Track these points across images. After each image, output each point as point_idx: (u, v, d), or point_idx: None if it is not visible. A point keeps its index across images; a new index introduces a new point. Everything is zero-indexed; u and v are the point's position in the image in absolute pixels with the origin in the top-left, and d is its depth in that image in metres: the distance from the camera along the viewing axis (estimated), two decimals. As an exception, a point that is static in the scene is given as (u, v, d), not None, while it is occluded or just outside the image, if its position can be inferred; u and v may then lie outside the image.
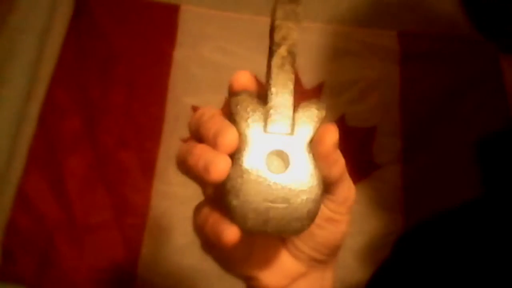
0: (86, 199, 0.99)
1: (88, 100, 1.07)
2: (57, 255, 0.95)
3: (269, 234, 0.46)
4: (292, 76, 0.46)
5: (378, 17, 1.14)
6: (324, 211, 0.49)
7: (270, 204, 0.44)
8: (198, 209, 0.48)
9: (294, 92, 0.46)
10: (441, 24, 1.13)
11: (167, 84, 1.08)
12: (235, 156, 0.45)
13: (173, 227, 0.97)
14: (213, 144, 0.44)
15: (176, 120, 1.05)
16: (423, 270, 0.70)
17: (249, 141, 0.45)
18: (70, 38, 1.10)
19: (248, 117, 0.45)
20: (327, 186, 0.47)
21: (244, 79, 0.46)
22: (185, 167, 0.46)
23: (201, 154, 0.45)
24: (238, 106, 0.45)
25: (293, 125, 0.45)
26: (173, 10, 1.14)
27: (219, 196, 0.45)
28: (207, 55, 1.11)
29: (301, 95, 1.09)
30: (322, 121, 0.46)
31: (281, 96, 0.45)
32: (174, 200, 0.98)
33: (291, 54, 0.46)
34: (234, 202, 0.44)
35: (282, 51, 0.46)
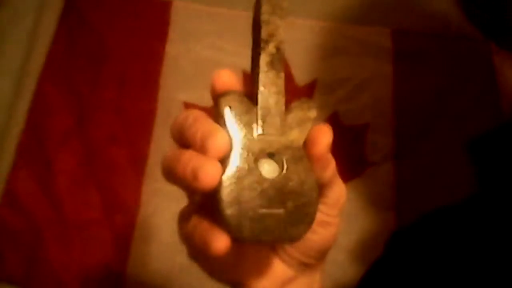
0: (75, 196, 0.98)
1: (78, 96, 1.06)
2: (46, 253, 0.94)
3: (265, 243, 0.44)
4: (282, 74, 0.44)
5: (372, 15, 1.14)
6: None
7: (266, 210, 0.42)
8: (183, 216, 0.46)
9: (284, 91, 0.44)
10: (434, 23, 1.13)
11: (158, 81, 1.08)
12: (225, 161, 0.42)
13: (164, 224, 0.96)
14: (201, 149, 0.42)
15: (168, 117, 1.04)
16: (416, 267, 0.70)
17: (240, 144, 0.43)
18: (60, 34, 1.10)
19: (238, 119, 0.43)
20: (319, 188, 0.45)
21: (226, 79, 0.44)
22: (172, 175, 0.43)
23: (189, 160, 0.42)
24: (227, 107, 0.43)
25: (285, 126, 0.43)
26: (165, 6, 1.13)
27: (208, 203, 0.43)
28: (199, 51, 1.11)
29: (294, 92, 1.09)
30: (314, 121, 0.44)
31: (272, 96, 0.44)
32: (165, 197, 0.97)
33: (280, 51, 0.44)
34: (228, 211, 0.42)
35: (270, 48, 0.44)
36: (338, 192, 0.48)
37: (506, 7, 0.68)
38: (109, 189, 0.99)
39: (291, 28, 1.11)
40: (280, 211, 0.43)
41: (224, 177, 0.42)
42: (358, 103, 1.07)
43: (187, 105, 1.04)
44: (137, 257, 0.95)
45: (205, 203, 0.44)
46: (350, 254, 0.96)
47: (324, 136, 0.43)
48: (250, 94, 0.44)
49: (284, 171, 0.43)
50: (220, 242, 0.42)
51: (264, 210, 0.42)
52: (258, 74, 0.44)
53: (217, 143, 0.41)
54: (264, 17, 0.44)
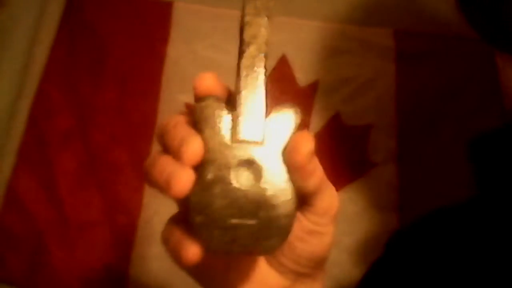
0: (77, 198, 0.98)
1: (80, 97, 1.05)
2: (48, 255, 0.94)
3: (236, 254, 0.42)
4: (263, 78, 0.42)
5: (374, 15, 1.13)
6: (304, 223, 0.46)
7: (237, 220, 0.41)
8: (166, 223, 0.46)
9: (266, 96, 0.42)
10: (437, 23, 1.13)
11: (160, 81, 1.07)
12: (199, 167, 0.41)
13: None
14: (177, 155, 0.41)
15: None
16: (416, 268, 0.69)
17: (215, 151, 0.41)
18: (62, 35, 1.09)
19: (214, 125, 0.42)
20: (304, 197, 0.44)
21: (208, 83, 0.43)
22: (149, 180, 0.43)
23: (163, 166, 0.42)
24: (203, 113, 0.42)
25: (264, 132, 0.42)
26: (167, 7, 1.13)
27: (184, 212, 0.43)
28: (200, 52, 1.10)
29: (296, 93, 1.09)
30: (297, 128, 0.43)
31: (251, 100, 0.42)
32: (166, 198, 0.96)
33: (262, 53, 0.43)
34: (198, 219, 0.41)
35: (252, 50, 0.43)
36: (328, 201, 0.46)
37: (505, 11, 0.68)
38: (111, 190, 0.99)
39: (293, 29, 1.10)
40: (253, 222, 0.41)
41: (196, 184, 0.41)
42: (361, 103, 1.07)
43: (189, 106, 1.04)
44: (139, 259, 0.95)
45: (182, 211, 0.44)
46: (352, 255, 0.95)
47: (305, 144, 0.42)
48: (232, 99, 0.43)
49: (260, 180, 0.42)
50: (190, 252, 0.41)
51: (235, 220, 0.41)
52: (238, 78, 0.42)
53: (190, 149, 0.41)
54: (246, 18, 0.43)
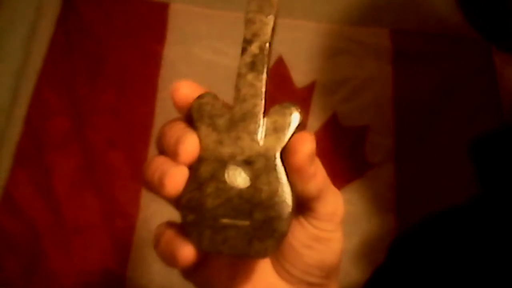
0: (74, 201, 0.98)
1: (76, 99, 1.05)
2: (45, 258, 0.94)
3: (226, 255, 0.41)
4: (264, 77, 0.41)
5: (370, 16, 1.13)
6: (309, 229, 0.44)
7: (230, 221, 0.40)
8: (158, 226, 0.44)
9: (266, 94, 0.41)
10: (434, 23, 1.13)
11: (156, 83, 1.07)
12: (194, 166, 0.40)
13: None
14: (173, 155, 0.40)
15: (166, 119, 1.03)
16: (420, 273, 0.69)
17: (210, 149, 0.40)
18: (58, 37, 1.09)
19: (210, 123, 0.41)
20: (306, 202, 0.43)
21: (186, 91, 0.42)
22: (144, 182, 0.42)
23: (158, 166, 0.41)
24: (199, 110, 0.41)
25: (263, 132, 0.41)
26: (163, 8, 1.13)
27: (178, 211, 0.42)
28: (197, 54, 1.10)
29: (293, 94, 1.09)
30: (298, 128, 0.41)
31: (250, 99, 0.41)
32: (164, 201, 0.96)
33: (264, 51, 0.42)
34: (189, 218, 0.40)
35: (253, 48, 0.42)
36: (332, 206, 0.44)
37: (505, 9, 0.67)
38: (108, 193, 0.99)
39: (290, 30, 1.10)
40: (245, 223, 0.40)
41: (189, 182, 0.40)
42: (358, 104, 1.07)
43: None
44: (136, 261, 0.94)
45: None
46: (350, 256, 0.95)
47: (305, 145, 0.40)
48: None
49: (256, 180, 0.40)
50: (184, 252, 0.40)
51: (227, 220, 0.40)
52: (238, 76, 0.42)
53: (186, 147, 0.40)
54: (248, 15, 0.42)
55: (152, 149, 1.02)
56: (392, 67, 1.09)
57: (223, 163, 0.40)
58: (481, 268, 0.63)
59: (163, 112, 1.04)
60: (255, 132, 0.41)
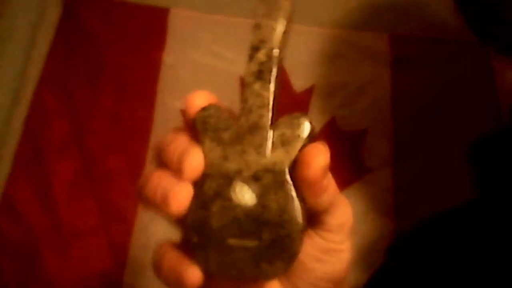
0: (72, 205, 0.98)
1: (76, 104, 1.05)
2: (43, 262, 0.94)
3: (235, 278, 0.39)
4: (272, 86, 0.39)
5: (369, 20, 1.13)
6: (319, 242, 0.42)
7: (237, 241, 0.38)
8: (156, 248, 0.42)
9: (274, 105, 0.39)
10: (432, 27, 1.13)
11: (156, 88, 1.07)
12: (198, 183, 0.38)
13: (160, 233, 0.96)
14: (176, 170, 0.38)
15: (165, 125, 1.03)
16: (418, 275, 0.69)
17: (215, 165, 0.38)
18: (58, 42, 1.09)
19: (215, 136, 0.38)
20: (316, 215, 0.40)
21: (200, 101, 0.39)
22: (144, 199, 0.39)
23: (159, 182, 0.38)
24: (204, 123, 0.38)
25: (270, 144, 0.38)
26: (163, 14, 1.13)
27: (181, 232, 0.40)
28: (197, 59, 1.10)
29: (292, 99, 1.09)
30: (309, 140, 0.38)
31: (256, 110, 0.38)
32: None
33: (272, 59, 0.39)
34: (195, 239, 0.38)
35: (260, 56, 0.39)
36: (342, 216, 0.42)
37: (504, 13, 0.68)
38: (106, 198, 0.99)
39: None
40: (254, 243, 0.37)
41: (194, 201, 0.38)
42: (356, 108, 1.07)
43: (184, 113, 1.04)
44: (134, 266, 0.95)
45: (181, 231, 0.40)
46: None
47: (319, 157, 0.37)
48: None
49: (265, 197, 0.38)
50: (191, 276, 0.38)
51: (234, 241, 0.38)
52: (244, 86, 0.39)
53: (191, 163, 0.37)
54: (256, 20, 0.40)
55: (151, 153, 1.02)
56: (390, 72, 1.09)
57: (228, 180, 0.38)
58: (478, 270, 0.63)
59: (162, 117, 1.05)
60: (262, 146, 0.38)
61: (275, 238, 0.37)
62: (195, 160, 0.38)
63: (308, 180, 0.37)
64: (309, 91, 1.08)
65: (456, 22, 0.81)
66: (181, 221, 0.39)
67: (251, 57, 0.39)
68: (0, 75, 1.05)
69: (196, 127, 0.39)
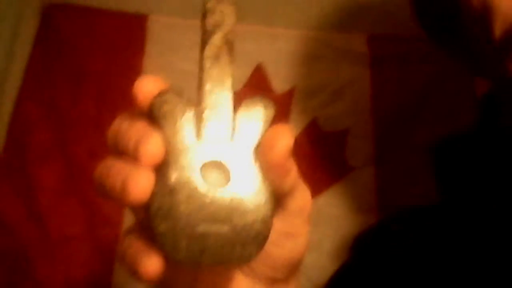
0: (58, 212, 0.97)
1: (58, 112, 1.05)
2: (30, 270, 0.93)
3: (207, 266, 0.38)
4: (230, 70, 0.38)
5: (347, 21, 1.14)
6: (278, 226, 0.41)
7: (207, 227, 0.36)
8: (122, 236, 0.40)
9: (232, 89, 0.38)
10: (410, 27, 1.13)
11: (137, 94, 1.07)
12: (161, 170, 0.37)
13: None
14: (134, 157, 0.36)
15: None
16: (382, 270, 0.69)
17: (177, 151, 0.37)
18: (37, 50, 1.09)
19: (176, 122, 0.37)
20: (278, 198, 0.40)
21: (150, 87, 0.38)
22: (102, 188, 0.38)
23: (118, 170, 0.37)
24: (162, 108, 0.37)
25: (233, 128, 0.38)
26: (141, 20, 1.13)
27: (143, 221, 0.38)
28: (176, 65, 1.10)
29: (273, 100, 1.09)
30: (270, 122, 0.38)
31: (217, 93, 0.38)
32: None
33: (228, 43, 0.39)
34: (162, 227, 0.36)
35: (215, 40, 0.39)
36: (301, 200, 0.42)
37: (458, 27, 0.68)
38: (92, 204, 0.98)
39: (268, 38, 1.11)
40: (224, 229, 0.37)
41: (158, 188, 0.36)
42: (337, 108, 1.08)
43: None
44: (121, 270, 0.94)
45: (144, 220, 0.38)
46: (332, 258, 0.96)
47: (283, 139, 0.37)
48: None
49: (231, 182, 0.37)
50: (151, 264, 0.36)
51: (204, 228, 0.37)
52: (202, 70, 0.39)
53: (149, 148, 0.36)
54: (208, 5, 0.40)
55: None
56: (370, 72, 1.11)
57: (192, 166, 0.37)
58: (441, 265, 0.64)
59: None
60: (227, 129, 0.38)
61: (246, 222, 0.37)
62: (154, 145, 0.36)
63: (273, 162, 0.37)
64: (289, 93, 1.08)
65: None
66: (143, 210, 0.37)
67: (205, 42, 0.39)
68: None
69: (153, 113, 0.38)
